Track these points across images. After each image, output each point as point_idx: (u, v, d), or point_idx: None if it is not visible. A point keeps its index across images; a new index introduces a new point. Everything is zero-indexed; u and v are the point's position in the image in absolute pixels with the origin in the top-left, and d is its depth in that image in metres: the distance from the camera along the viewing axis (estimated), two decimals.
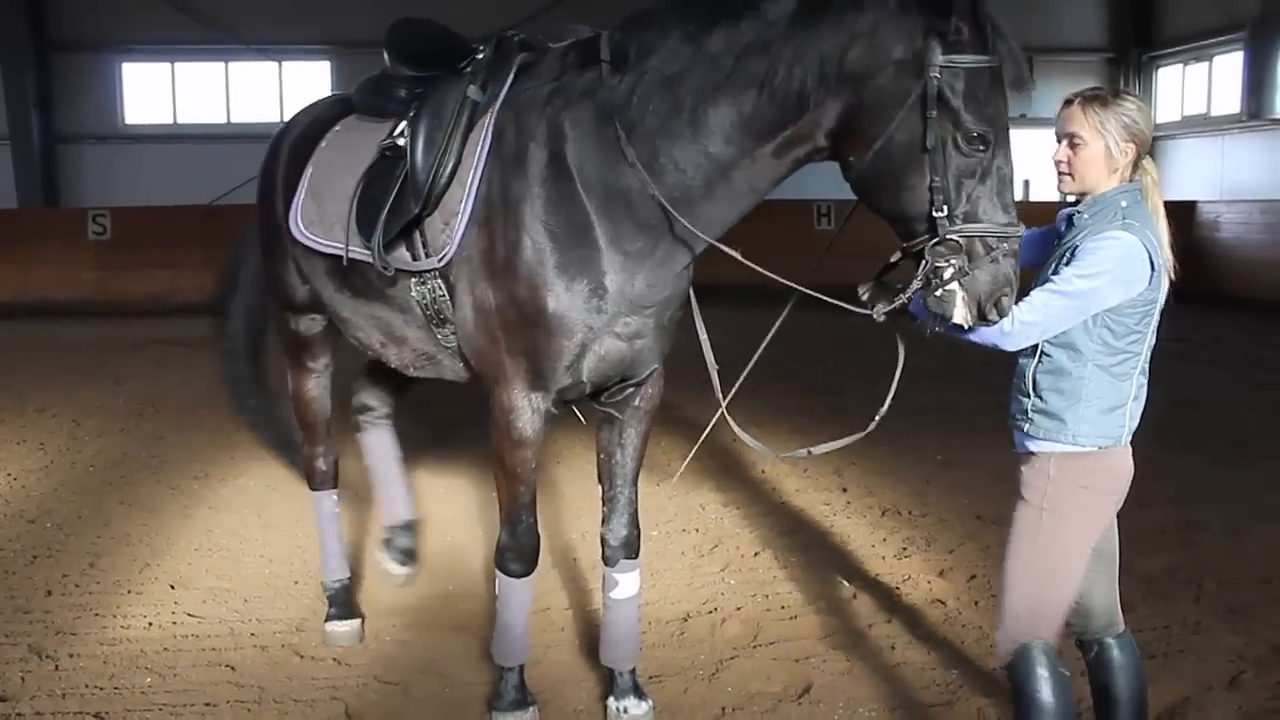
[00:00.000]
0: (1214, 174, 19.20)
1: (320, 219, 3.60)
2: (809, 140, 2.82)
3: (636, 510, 3.62)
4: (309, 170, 3.68)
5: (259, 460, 6.26)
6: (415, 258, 3.31)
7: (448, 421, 7.46)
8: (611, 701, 3.59)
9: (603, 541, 3.61)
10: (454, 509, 5.82)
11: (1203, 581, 4.71)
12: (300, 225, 3.65)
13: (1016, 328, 2.78)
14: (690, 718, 3.59)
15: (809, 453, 3.34)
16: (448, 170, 3.22)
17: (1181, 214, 18.15)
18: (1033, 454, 2.96)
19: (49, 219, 17.27)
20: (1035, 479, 2.95)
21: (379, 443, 4.61)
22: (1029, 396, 2.94)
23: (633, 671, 3.62)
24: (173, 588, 4.71)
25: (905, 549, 5.16)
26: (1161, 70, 20.86)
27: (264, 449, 5.02)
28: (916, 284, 2.71)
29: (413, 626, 4.33)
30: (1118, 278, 2.80)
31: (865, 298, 2.91)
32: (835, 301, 2.97)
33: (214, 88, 19.38)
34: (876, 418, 3.09)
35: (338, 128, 3.73)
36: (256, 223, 4.22)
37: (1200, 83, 19.78)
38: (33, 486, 6.29)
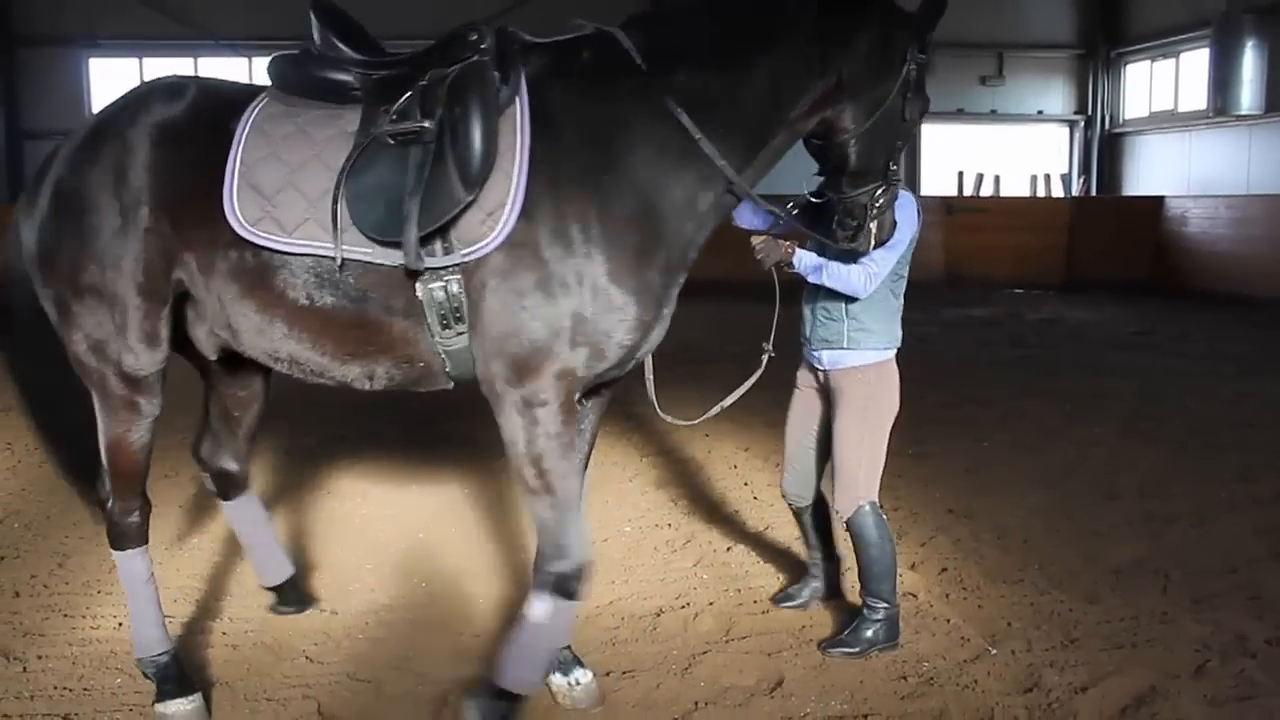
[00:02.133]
0: (1181, 169, 19.42)
1: (276, 215, 3.18)
2: (821, 113, 3.31)
3: None
4: (236, 163, 3.22)
5: None
6: (432, 254, 3.11)
7: (419, 417, 7.43)
8: (560, 679, 3.66)
9: None
10: (426, 506, 5.80)
11: (1170, 572, 4.77)
12: (245, 224, 3.18)
13: (871, 280, 3.81)
14: (663, 713, 3.60)
15: (720, 408, 3.96)
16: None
17: (1149, 209, 18.40)
18: (854, 367, 3.99)
19: None
20: (856, 385, 4.00)
21: (248, 513, 4.24)
22: (843, 322, 3.96)
23: (569, 646, 3.70)
24: None
25: None
26: (1130, 67, 21.06)
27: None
28: (854, 221, 3.42)
29: (385, 624, 4.32)
30: (913, 224, 3.86)
31: (759, 247, 3.82)
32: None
33: None
34: (764, 359, 3.90)
35: (259, 114, 3.31)
36: (54, 234, 3.42)
37: (1168, 79, 20.00)
38: (0, 487, 6.23)
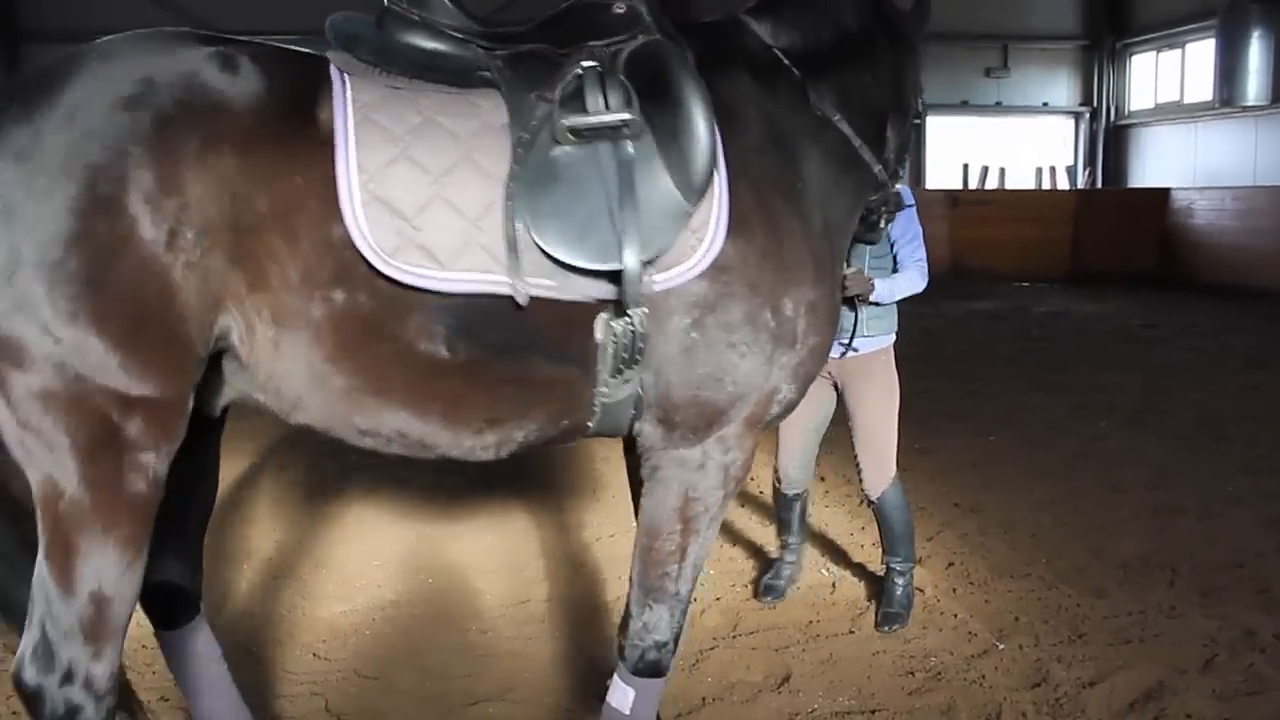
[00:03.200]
0: (1187, 161, 19.39)
1: (423, 241, 2.32)
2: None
3: None
4: (351, 168, 2.30)
5: (234, 455, 6.24)
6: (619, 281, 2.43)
7: None
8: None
9: None
10: (432, 502, 5.81)
11: (1177, 566, 4.76)
12: (384, 254, 2.30)
13: (925, 273, 4.19)
14: (671, 708, 3.60)
15: None
16: None
17: (1155, 200, 18.36)
18: (874, 350, 4.17)
19: None
20: (880, 366, 4.22)
21: (200, 649, 3.01)
22: (857, 311, 4.05)
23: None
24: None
25: None
26: (1135, 57, 21.02)
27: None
28: (880, 215, 3.22)
29: (392, 620, 4.32)
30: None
31: (850, 281, 3.86)
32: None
33: None
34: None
35: (361, 97, 2.39)
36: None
37: (1173, 70, 19.96)
38: None
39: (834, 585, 4.64)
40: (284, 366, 2.37)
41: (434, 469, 6.29)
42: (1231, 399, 8.36)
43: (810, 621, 4.28)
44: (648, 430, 2.65)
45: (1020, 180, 20.64)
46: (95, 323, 2.17)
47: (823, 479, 6.18)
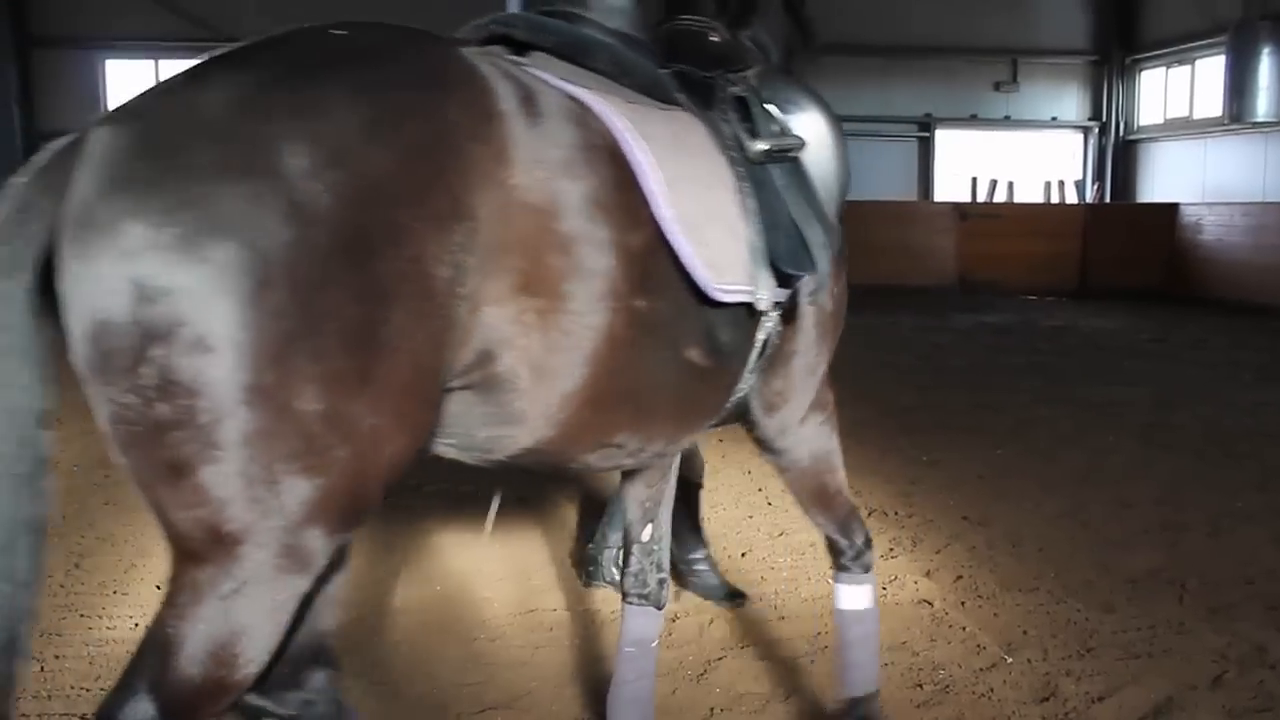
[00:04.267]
0: (1196, 176, 19.38)
1: (710, 256, 2.31)
2: None
3: None
4: (654, 179, 2.20)
5: None
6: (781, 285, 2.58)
7: None
8: None
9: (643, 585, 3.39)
10: (438, 509, 5.81)
11: (1186, 582, 4.75)
12: (703, 273, 2.28)
13: None
14: (679, 718, 3.60)
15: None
16: None
17: (1164, 216, 18.36)
18: None
19: None
20: None
21: None
22: None
23: None
24: (159, 588, 4.68)
25: (892, 549, 5.19)
26: (1144, 73, 21.02)
27: None
28: None
29: (399, 627, 4.32)
30: None
31: None
32: None
33: None
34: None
35: (617, 106, 2.26)
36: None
37: (1183, 86, 19.96)
38: None
39: None
40: (558, 388, 2.09)
41: (444, 476, 6.29)
42: (1241, 414, 8.34)
43: (818, 633, 4.26)
44: (790, 416, 2.97)
45: (1028, 194, 20.65)
46: (360, 384, 1.71)
47: None
